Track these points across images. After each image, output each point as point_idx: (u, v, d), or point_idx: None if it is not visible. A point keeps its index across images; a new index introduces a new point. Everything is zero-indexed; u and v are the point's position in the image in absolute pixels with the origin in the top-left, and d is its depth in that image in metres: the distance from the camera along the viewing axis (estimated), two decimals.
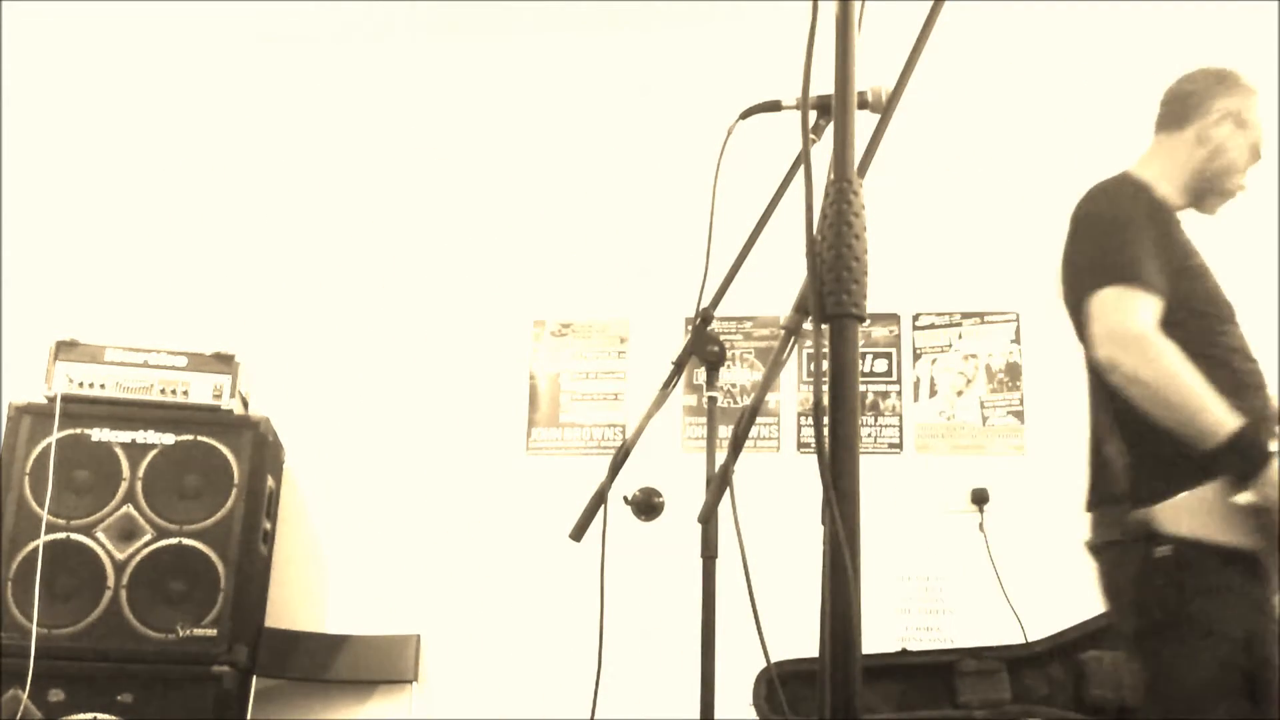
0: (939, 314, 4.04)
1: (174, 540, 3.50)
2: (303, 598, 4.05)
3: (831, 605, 0.98)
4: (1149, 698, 1.96)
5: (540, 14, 4.33)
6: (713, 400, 2.25)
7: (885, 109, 1.29)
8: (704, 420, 2.43)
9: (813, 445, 2.52)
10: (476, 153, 4.43)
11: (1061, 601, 3.49)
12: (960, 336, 4.01)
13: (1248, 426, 1.87)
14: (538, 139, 4.40)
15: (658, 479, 2.16)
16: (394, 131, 4.49)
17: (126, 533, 3.49)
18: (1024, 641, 3.40)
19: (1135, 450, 2.01)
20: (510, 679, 3.87)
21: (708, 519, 2.03)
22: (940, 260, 4.06)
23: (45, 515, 3.41)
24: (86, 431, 3.55)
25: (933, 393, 3.98)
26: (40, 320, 4.05)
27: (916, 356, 4.03)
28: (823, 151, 1.11)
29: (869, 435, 3.96)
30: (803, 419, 4.01)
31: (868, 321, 1.09)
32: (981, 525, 3.77)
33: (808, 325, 1.49)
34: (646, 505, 2.12)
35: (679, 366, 2.12)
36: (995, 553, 3.71)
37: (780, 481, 3.75)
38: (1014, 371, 3.95)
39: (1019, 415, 3.91)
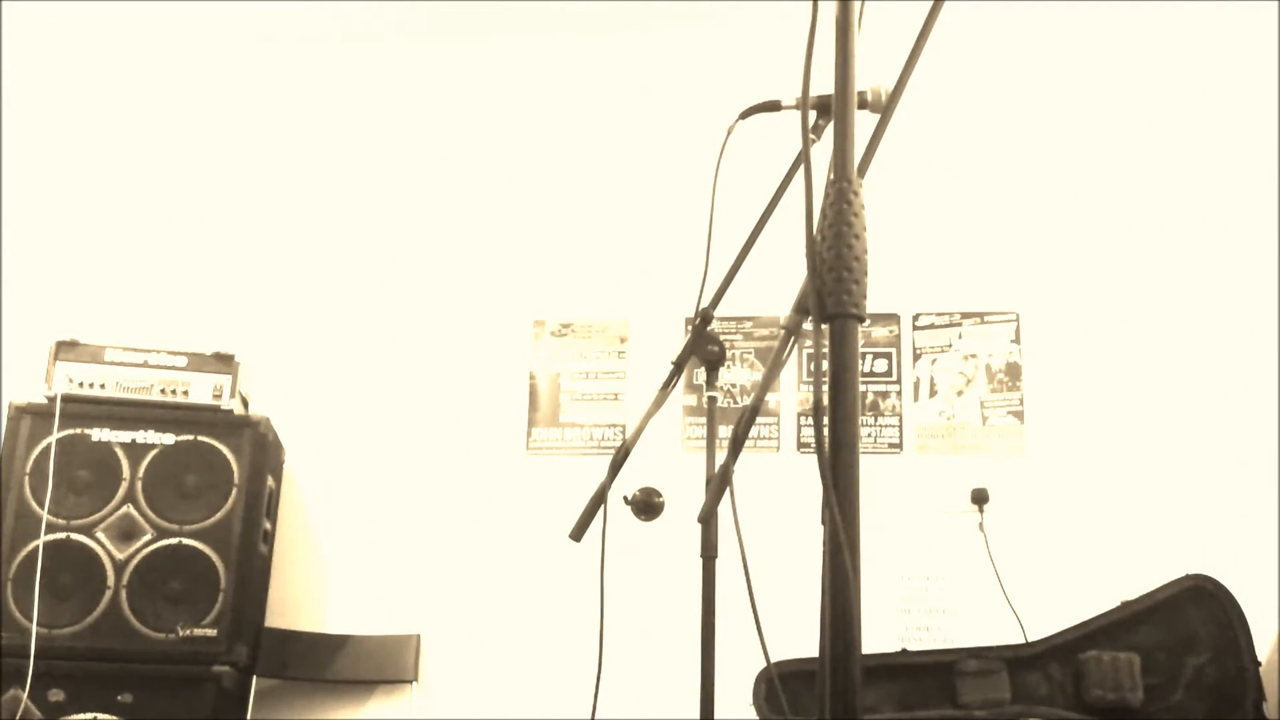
0: (939, 314, 4.04)
1: (174, 540, 3.50)
2: (303, 598, 4.05)
3: (831, 605, 0.98)
4: None
5: (540, 14, 4.33)
6: (713, 400, 2.25)
7: (885, 109, 1.30)
8: (704, 420, 2.43)
9: (813, 445, 2.52)
10: (476, 153, 4.43)
11: (1061, 601, 3.49)
12: (960, 336, 4.01)
13: None
14: (538, 139, 4.40)
15: (658, 479, 2.16)
16: (394, 131, 4.49)
17: (126, 533, 3.49)
18: (1024, 641, 3.40)
19: None
20: (510, 679, 3.87)
21: (708, 519, 2.03)
22: (940, 260, 4.06)
23: (45, 515, 3.41)
24: (86, 431, 3.55)
25: (933, 393, 3.99)
26: (40, 320, 4.05)
27: (916, 356, 4.03)
28: (823, 151, 1.11)
29: (869, 435, 3.96)
30: (803, 419, 4.01)
31: (868, 321, 1.09)
32: (981, 525, 3.77)
33: (808, 325, 1.49)
34: (646, 505, 2.12)
35: (679, 366, 2.12)
36: (995, 553, 3.71)
37: (780, 481, 3.76)
38: (1014, 371, 3.95)
39: (1019, 415, 3.91)
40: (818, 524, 1.03)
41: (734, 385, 4.10)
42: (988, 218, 4.06)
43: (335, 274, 4.36)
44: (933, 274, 4.05)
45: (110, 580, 3.44)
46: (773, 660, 2.16)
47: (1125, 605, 3.29)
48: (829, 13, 1.10)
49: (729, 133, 1.98)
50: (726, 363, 3.72)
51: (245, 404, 3.79)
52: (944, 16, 1.24)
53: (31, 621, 3.29)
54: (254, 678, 3.72)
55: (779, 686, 3.31)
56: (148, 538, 3.49)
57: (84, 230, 4.41)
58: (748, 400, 4.05)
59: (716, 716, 2.09)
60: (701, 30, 4.36)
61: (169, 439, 3.58)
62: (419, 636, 3.92)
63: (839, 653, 0.97)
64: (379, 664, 3.89)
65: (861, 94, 1.68)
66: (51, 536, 3.42)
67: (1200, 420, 3.77)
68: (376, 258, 4.37)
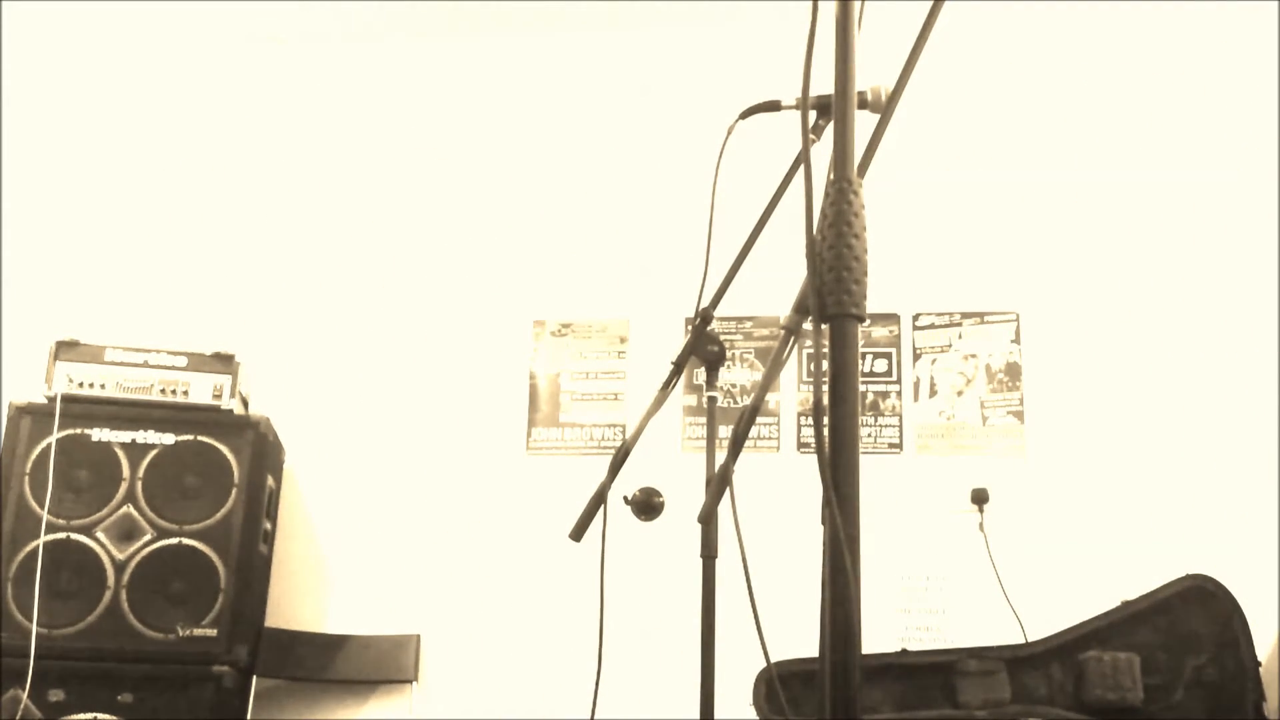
0: (939, 314, 4.04)
1: (174, 540, 3.50)
2: (303, 598, 4.05)
3: (831, 605, 0.98)
4: None
5: (540, 14, 4.33)
6: (713, 400, 2.25)
7: (885, 109, 1.30)
8: (704, 420, 2.43)
9: (813, 445, 2.52)
10: (476, 153, 4.43)
11: (1061, 601, 3.49)
12: (960, 336, 4.01)
13: None
14: (538, 139, 4.40)
15: (658, 479, 2.16)
16: (394, 131, 4.49)
17: (126, 533, 3.49)
18: (1024, 641, 3.40)
19: None
20: (510, 679, 3.87)
21: (708, 519, 2.03)
22: (940, 260, 4.06)
23: (45, 515, 3.41)
24: (86, 431, 3.54)
25: (933, 393, 3.98)
26: (40, 320, 4.05)
27: (916, 356, 4.03)
28: (823, 151, 1.11)
29: (869, 435, 3.96)
30: (803, 419, 4.01)
31: (868, 321, 1.09)
32: (981, 525, 3.77)
33: (808, 325, 1.49)
34: (646, 505, 2.12)
35: (679, 366, 2.12)
36: (995, 553, 3.71)
37: (780, 481, 3.76)
38: (1014, 371, 3.95)
39: (1019, 415, 3.91)
40: (818, 524, 1.03)
41: (734, 385, 4.10)
42: (987, 218, 4.06)
43: (335, 274, 4.36)
44: (933, 274, 4.05)
45: (110, 580, 3.44)
46: (773, 660, 2.16)
47: (1125, 605, 3.28)
48: (829, 13, 1.10)
49: (729, 133, 1.98)
50: (726, 363, 3.72)
51: (245, 404, 3.79)
52: (944, 16, 1.24)
53: (31, 621, 3.29)
54: (254, 678, 3.72)
55: (779, 686, 3.31)
56: (148, 538, 3.49)
57: (84, 230, 4.41)
58: (748, 400, 4.05)
59: (716, 716, 2.09)
60: (701, 30, 4.36)
61: (169, 439, 3.58)
62: (419, 636, 3.92)
63: (839, 653, 0.97)
64: (379, 664, 3.89)
65: (861, 94, 1.68)
66: (51, 536, 3.42)
67: (1200, 420, 3.77)
68: (376, 258, 4.37)
